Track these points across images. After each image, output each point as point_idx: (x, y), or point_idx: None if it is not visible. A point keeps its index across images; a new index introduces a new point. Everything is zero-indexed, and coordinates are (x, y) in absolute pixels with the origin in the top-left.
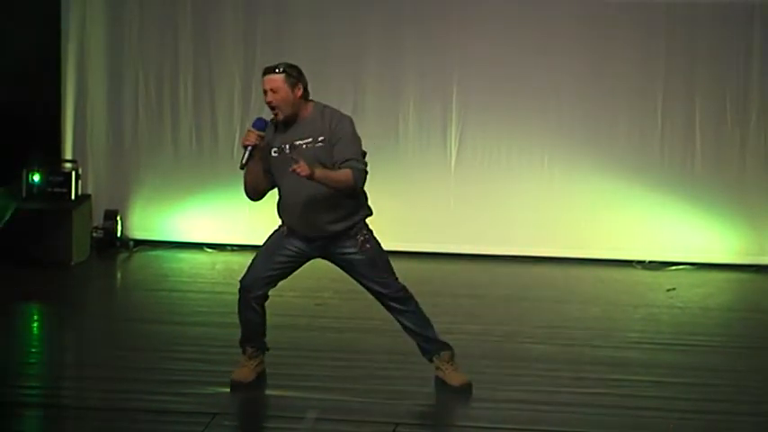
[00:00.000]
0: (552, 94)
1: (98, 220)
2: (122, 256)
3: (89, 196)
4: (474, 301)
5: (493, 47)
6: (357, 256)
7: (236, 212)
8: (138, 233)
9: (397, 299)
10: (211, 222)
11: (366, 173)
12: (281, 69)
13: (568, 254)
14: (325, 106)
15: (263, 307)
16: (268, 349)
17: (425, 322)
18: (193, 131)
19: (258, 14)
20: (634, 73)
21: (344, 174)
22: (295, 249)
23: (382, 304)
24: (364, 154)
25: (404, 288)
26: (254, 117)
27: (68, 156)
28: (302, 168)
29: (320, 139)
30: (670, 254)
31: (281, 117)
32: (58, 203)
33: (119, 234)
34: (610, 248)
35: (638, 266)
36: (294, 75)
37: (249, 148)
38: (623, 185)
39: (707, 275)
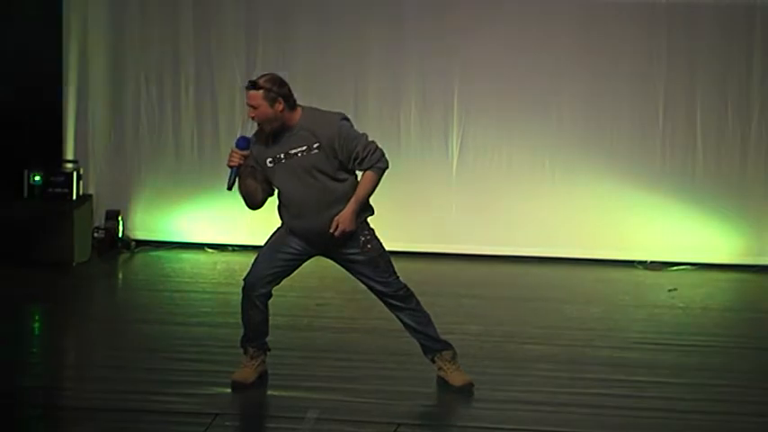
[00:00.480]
0: (553, 96)
1: (99, 220)
2: (123, 256)
3: (90, 196)
4: (474, 302)
5: (494, 49)
6: (359, 257)
7: (237, 213)
8: (139, 233)
9: (398, 297)
10: (212, 223)
11: (382, 155)
12: (259, 85)
13: (569, 254)
14: (313, 110)
15: (266, 305)
16: (269, 350)
17: (427, 321)
18: (195, 131)
19: (259, 15)
20: (635, 74)
21: (369, 180)
22: (298, 247)
23: (383, 302)
24: (365, 136)
25: (405, 286)
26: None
27: (70, 156)
28: (341, 227)
29: (315, 146)
30: (671, 254)
31: (266, 130)
32: (59, 204)
33: (120, 234)
34: (611, 249)
35: (640, 267)
36: (274, 89)
37: (234, 169)
38: (624, 186)
39: (708, 276)
